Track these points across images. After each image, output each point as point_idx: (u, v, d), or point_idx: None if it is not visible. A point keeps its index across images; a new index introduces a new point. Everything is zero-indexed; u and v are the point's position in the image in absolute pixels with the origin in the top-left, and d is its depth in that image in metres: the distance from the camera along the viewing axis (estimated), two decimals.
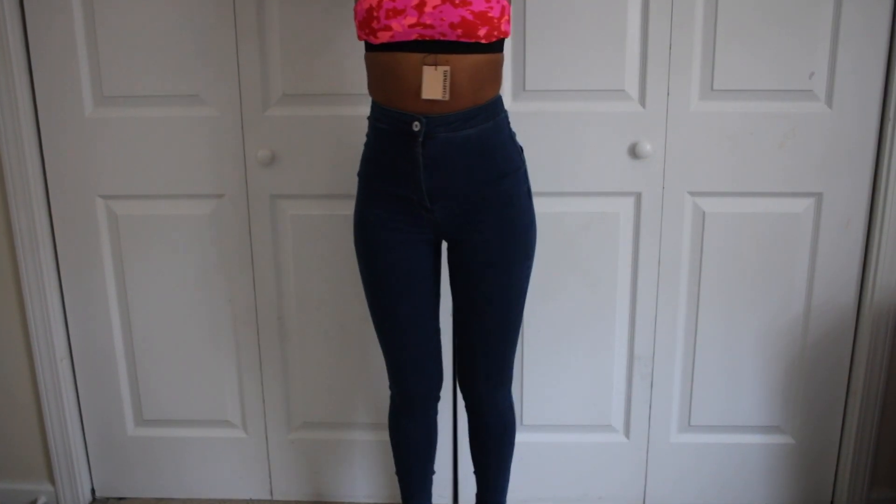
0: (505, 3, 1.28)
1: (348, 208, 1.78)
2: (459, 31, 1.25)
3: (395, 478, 1.98)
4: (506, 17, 1.29)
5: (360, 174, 1.45)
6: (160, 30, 1.69)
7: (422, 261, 1.44)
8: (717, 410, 1.89)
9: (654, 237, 1.78)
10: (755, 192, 1.73)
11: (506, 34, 1.31)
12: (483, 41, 1.27)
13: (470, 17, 1.24)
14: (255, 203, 1.80)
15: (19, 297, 1.85)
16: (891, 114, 1.66)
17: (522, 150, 1.44)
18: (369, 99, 1.70)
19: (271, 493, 2.03)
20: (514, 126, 1.68)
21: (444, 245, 1.48)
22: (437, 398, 1.58)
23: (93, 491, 2.05)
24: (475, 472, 1.67)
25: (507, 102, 1.69)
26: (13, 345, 1.89)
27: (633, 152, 1.71)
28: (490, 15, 1.26)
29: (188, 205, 1.81)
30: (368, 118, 1.41)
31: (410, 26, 1.25)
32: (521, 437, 1.93)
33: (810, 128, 1.69)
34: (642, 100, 1.69)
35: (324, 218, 1.80)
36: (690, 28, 1.65)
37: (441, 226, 1.40)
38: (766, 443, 1.91)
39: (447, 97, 1.28)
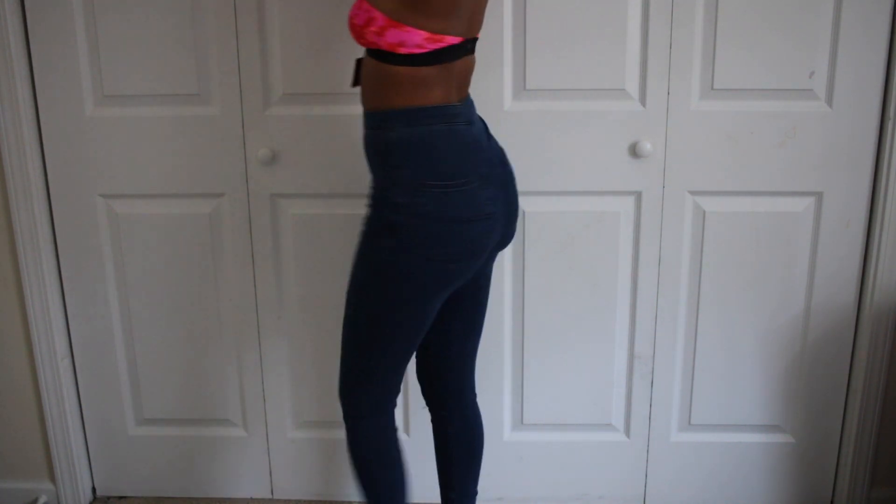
0: (376, 14, 1.20)
1: (349, 207, 1.78)
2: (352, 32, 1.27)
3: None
4: (373, 28, 1.20)
5: None
6: (161, 29, 1.69)
7: None
8: (718, 409, 1.89)
9: (655, 236, 1.78)
10: (755, 191, 1.73)
11: (374, 45, 1.23)
12: (369, 47, 1.26)
13: (349, 20, 1.26)
14: (255, 202, 1.80)
15: (20, 297, 1.85)
16: (891, 113, 1.66)
17: (400, 184, 1.27)
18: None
19: (272, 492, 2.03)
20: (515, 125, 1.68)
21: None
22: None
23: (93, 490, 2.05)
24: (451, 484, 1.62)
25: (507, 102, 1.69)
26: (14, 344, 1.89)
27: (634, 151, 1.71)
28: (354, 22, 1.24)
29: (189, 204, 1.81)
30: None
31: None
32: (521, 436, 1.93)
33: (810, 127, 1.69)
34: (642, 99, 1.69)
35: (324, 217, 1.80)
36: (691, 27, 1.65)
37: None
38: (766, 442, 1.91)
39: (352, 86, 1.36)
